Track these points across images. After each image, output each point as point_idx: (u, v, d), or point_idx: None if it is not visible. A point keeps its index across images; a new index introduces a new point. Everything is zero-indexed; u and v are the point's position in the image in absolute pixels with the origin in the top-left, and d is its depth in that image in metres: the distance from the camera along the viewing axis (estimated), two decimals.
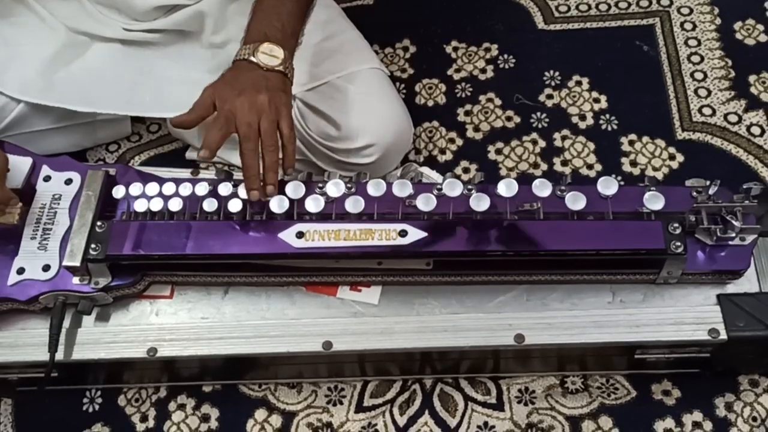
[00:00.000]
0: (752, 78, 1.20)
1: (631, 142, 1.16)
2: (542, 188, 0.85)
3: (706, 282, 0.88)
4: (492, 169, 1.15)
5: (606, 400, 0.96)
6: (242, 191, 0.87)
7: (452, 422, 0.96)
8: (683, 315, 0.86)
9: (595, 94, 1.21)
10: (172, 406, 1.00)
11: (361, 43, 1.13)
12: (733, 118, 1.16)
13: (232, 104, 0.84)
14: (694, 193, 0.88)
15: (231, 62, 1.04)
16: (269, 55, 0.87)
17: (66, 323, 0.90)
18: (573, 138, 1.17)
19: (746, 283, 0.88)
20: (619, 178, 1.12)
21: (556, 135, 1.18)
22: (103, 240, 0.86)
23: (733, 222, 0.84)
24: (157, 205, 0.89)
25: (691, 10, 1.28)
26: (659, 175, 1.12)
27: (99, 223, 0.88)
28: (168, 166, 1.06)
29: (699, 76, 1.21)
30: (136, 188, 0.90)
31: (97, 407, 1.01)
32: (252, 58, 0.87)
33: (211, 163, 1.15)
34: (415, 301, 0.90)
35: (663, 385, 0.96)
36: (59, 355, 0.88)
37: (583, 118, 1.19)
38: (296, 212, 0.87)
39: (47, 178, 0.95)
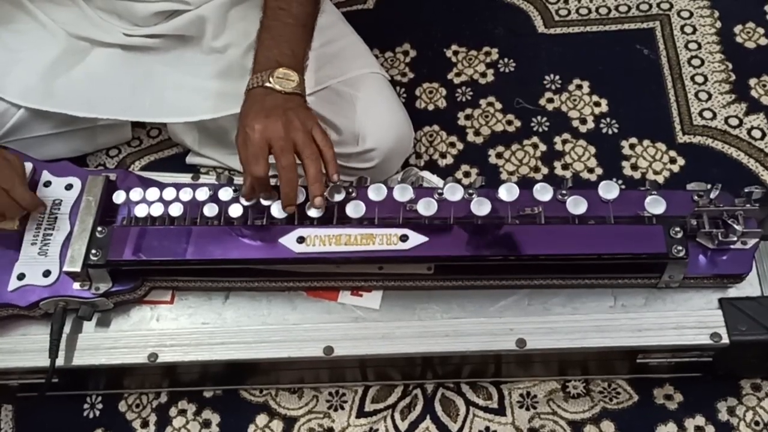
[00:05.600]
0: (753, 81, 1.20)
1: (632, 146, 1.16)
2: (543, 192, 0.85)
3: (708, 286, 0.88)
4: (493, 173, 1.15)
5: (608, 404, 0.95)
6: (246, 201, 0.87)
7: (454, 427, 0.96)
8: (685, 319, 0.86)
9: (595, 98, 1.21)
10: (173, 411, 1.00)
11: (362, 48, 1.13)
12: (734, 122, 1.16)
13: (261, 129, 0.83)
14: (696, 197, 0.87)
15: (231, 67, 1.05)
16: (285, 79, 0.87)
17: (66, 329, 0.90)
18: (574, 142, 1.17)
19: (748, 287, 0.88)
20: (620, 182, 1.12)
21: (557, 139, 1.18)
22: (104, 245, 0.86)
23: (735, 226, 0.84)
24: (157, 210, 0.89)
25: (692, 14, 1.28)
26: (660, 179, 1.12)
27: (99, 229, 0.88)
28: (168, 171, 1.06)
29: (699, 79, 1.21)
30: (136, 193, 0.90)
31: (97, 413, 1.00)
32: (268, 84, 0.86)
33: (211, 168, 1.15)
34: (416, 305, 0.90)
35: (665, 389, 0.96)
36: (60, 361, 0.88)
37: (583, 121, 1.19)
38: (297, 217, 0.87)
39: (48, 184, 0.95)
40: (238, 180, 0.92)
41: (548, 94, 1.22)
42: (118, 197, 0.90)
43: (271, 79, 0.86)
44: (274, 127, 0.83)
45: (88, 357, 0.89)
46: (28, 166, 0.96)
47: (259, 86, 0.87)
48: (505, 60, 1.27)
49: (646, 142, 1.16)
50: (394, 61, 1.29)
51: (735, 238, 0.85)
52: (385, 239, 0.84)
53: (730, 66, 1.22)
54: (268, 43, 0.90)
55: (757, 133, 1.15)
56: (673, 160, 1.14)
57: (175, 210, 0.88)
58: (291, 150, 0.83)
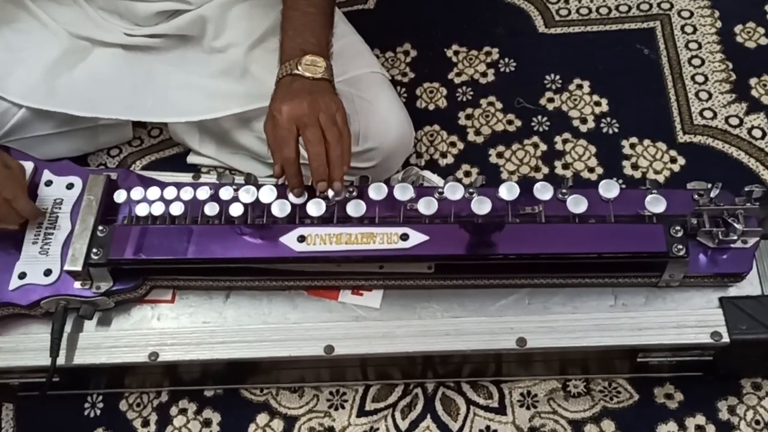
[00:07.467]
0: (753, 81, 1.20)
1: (633, 145, 1.16)
2: (543, 191, 0.85)
3: (708, 285, 0.88)
4: (493, 172, 1.15)
5: (608, 403, 0.95)
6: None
7: (454, 426, 0.96)
8: (685, 318, 0.86)
9: (596, 98, 1.22)
10: (173, 410, 1.00)
11: (362, 48, 1.13)
12: (734, 121, 1.16)
13: (289, 107, 0.84)
14: (696, 196, 0.87)
15: (232, 67, 1.05)
16: (313, 66, 0.87)
17: (67, 328, 0.90)
18: (574, 141, 1.17)
19: (748, 286, 0.88)
20: (621, 181, 1.12)
21: (557, 138, 1.18)
22: (105, 244, 0.87)
23: (735, 225, 0.84)
24: (158, 209, 0.89)
25: (692, 14, 1.28)
26: (661, 179, 1.12)
27: (100, 228, 0.88)
28: (169, 171, 1.06)
29: (700, 79, 1.21)
30: (137, 192, 0.90)
31: (98, 412, 1.01)
32: (296, 72, 0.87)
33: (212, 167, 1.15)
34: (416, 304, 0.90)
35: (665, 388, 0.96)
36: (61, 360, 0.88)
37: (584, 121, 1.19)
38: (298, 216, 0.87)
39: (49, 183, 0.96)
40: (239, 179, 0.92)
41: (549, 94, 1.23)
42: (119, 196, 0.90)
43: (299, 67, 0.87)
44: (299, 106, 0.83)
45: (89, 356, 0.89)
46: (30, 165, 0.96)
47: (288, 75, 0.87)
48: (506, 60, 1.27)
49: (646, 142, 1.16)
50: (395, 61, 1.29)
51: (735, 237, 0.85)
52: (385, 238, 0.84)
53: (731, 65, 1.22)
54: (291, 34, 0.90)
55: (757, 133, 1.15)
56: (673, 160, 1.14)
57: (176, 209, 0.88)
58: (317, 125, 0.83)
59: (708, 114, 1.17)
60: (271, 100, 0.88)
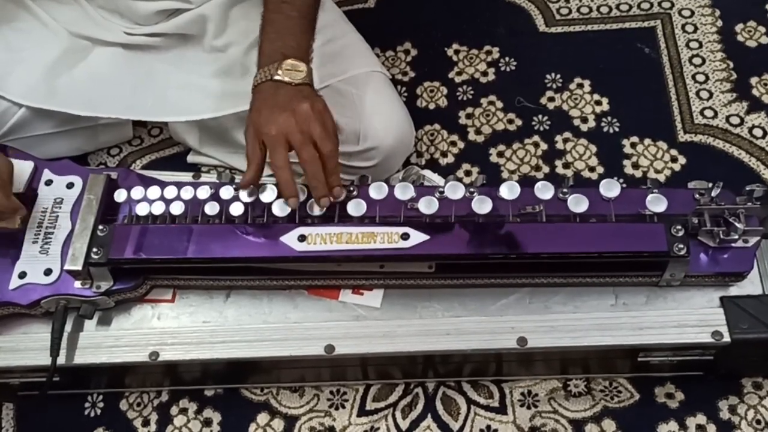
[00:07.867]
0: (754, 80, 1.20)
1: (633, 145, 1.16)
2: (544, 191, 0.85)
3: (709, 284, 0.88)
4: (494, 172, 1.15)
5: (609, 403, 0.95)
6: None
7: (455, 426, 0.96)
8: (686, 317, 0.86)
9: (596, 97, 1.21)
10: (174, 410, 1.00)
11: (363, 47, 1.13)
12: (735, 120, 1.16)
13: (277, 125, 0.82)
14: (697, 196, 0.87)
15: (232, 66, 1.05)
16: (293, 70, 0.86)
17: (68, 327, 0.89)
18: (575, 140, 1.17)
19: (749, 286, 0.88)
20: (621, 180, 1.12)
21: (558, 138, 1.18)
22: (105, 244, 0.86)
23: (736, 224, 0.83)
24: (158, 208, 0.89)
25: (693, 12, 1.28)
26: (661, 178, 1.12)
27: (101, 227, 0.88)
28: (169, 170, 1.05)
29: (701, 78, 1.21)
30: (137, 192, 0.90)
31: (98, 411, 1.00)
32: (277, 77, 0.85)
33: (212, 167, 1.15)
34: (417, 304, 0.90)
35: (666, 388, 0.96)
36: (61, 360, 0.88)
37: (584, 120, 1.19)
38: (298, 215, 0.87)
39: (49, 182, 0.95)
40: (239, 178, 0.92)
41: (549, 93, 1.22)
42: (120, 196, 0.90)
43: (279, 72, 0.86)
44: (288, 122, 0.82)
45: (89, 355, 0.89)
46: (30, 164, 0.96)
47: (267, 80, 0.86)
48: (506, 59, 1.27)
49: (647, 141, 1.16)
50: (395, 60, 1.29)
51: (736, 237, 0.85)
52: (386, 237, 0.84)
53: (731, 65, 1.22)
54: (272, 36, 0.89)
55: (758, 132, 1.14)
56: (674, 159, 1.14)
57: (177, 208, 0.88)
58: (310, 142, 0.83)
59: (709, 113, 1.17)
60: (252, 108, 0.86)
